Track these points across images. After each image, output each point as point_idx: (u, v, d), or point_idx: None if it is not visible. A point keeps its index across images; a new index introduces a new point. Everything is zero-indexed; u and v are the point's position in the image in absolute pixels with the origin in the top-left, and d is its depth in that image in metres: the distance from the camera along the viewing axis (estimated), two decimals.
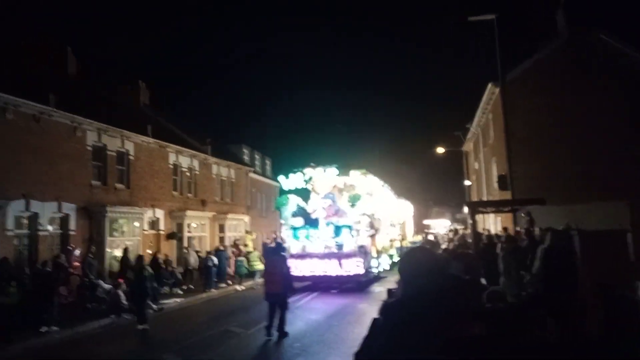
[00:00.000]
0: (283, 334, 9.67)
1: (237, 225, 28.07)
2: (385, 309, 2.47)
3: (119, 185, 19.43)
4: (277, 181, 20.39)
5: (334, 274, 16.79)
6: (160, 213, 21.72)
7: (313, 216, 18.60)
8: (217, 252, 20.06)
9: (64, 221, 16.67)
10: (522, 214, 14.75)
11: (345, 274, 16.70)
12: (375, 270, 19.21)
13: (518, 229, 14.28)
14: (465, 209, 26.48)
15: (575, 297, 6.25)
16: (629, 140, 18.69)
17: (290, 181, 19.16)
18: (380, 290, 16.77)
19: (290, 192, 19.31)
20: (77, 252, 15.95)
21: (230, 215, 27.16)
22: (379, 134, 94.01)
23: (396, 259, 23.03)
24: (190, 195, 24.74)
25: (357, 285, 17.15)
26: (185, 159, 24.38)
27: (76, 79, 21.93)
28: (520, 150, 18.30)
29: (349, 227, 17.53)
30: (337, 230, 17.60)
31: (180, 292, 17.86)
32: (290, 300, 14.01)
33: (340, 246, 17.63)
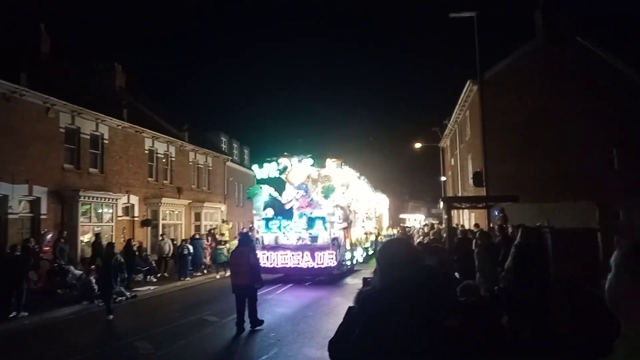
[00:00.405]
0: (257, 323, 9.47)
1: (214, 214, 27.87)
2: (362, 298, 2.48)
3: (92, 170, 19.04)
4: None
5: (306, 266, 16.57)
6: (134, 199, 21.40)
7: (287, 207, 18.31)
8: (193, 241, 19.91)
9: (34, 205, 16.28)
10: (496, 211, 15.06)
11: (317, 266, 16.48)
12: (348, 263, 19.02)
13: (491, 225, 14.57)
14: (441, 204, 26.87)
15: (544, 293, 6.43)
16: (601, 142, 19.24)
17: (264, 170, 18.71)
18: (354, 283, 16.90)
19: (263, 181, 18.89)
20: (49, 236, 15.61)
21: (206, 204, 26.94)
22: (357, 127, 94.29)
23: (371, 252, 23.07)
24: (166, 182, 24.42)
25: (330, 278, 16.97)
26: (161, 145, 24.02)
27: (49, 58, 21.30)
28: (495, 148, 18.65)
29: (322, 218, 17.26)
30: (310, 221, 17.34)
31: (154, 279, 17.68)
32: (263, 291, 14.00)
33: (314, 238, 17.41)
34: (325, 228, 17.17)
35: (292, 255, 16.75)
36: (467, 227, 19.58)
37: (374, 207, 26.90)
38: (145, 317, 11.86)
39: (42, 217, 16.38)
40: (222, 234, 24.09)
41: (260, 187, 18.69)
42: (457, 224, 21.35)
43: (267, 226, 17.77)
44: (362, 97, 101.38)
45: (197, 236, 21.21)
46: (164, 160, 24.32)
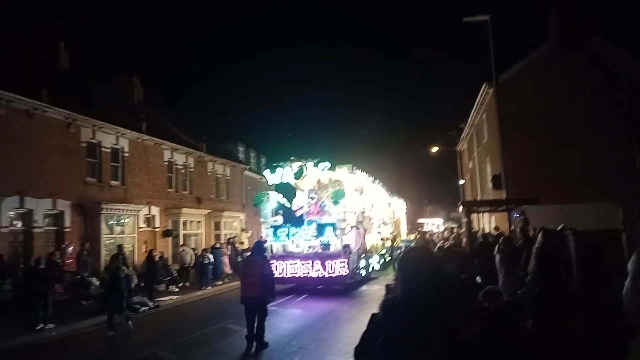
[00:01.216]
0: (262, 345, 8.81)
1: (233, 223, 28.10)
2: (385, 307, 2.51)
3: (113, 182, 19.40)
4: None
5: (316, 275, 15.80)
6: (155, 210, 21.71)
7: (297, 214, 17.61)
8: (213, 250, 20.09)
9: (58, 218, 16.65)
10: (516, 214, 14.89)
11: (328, 275, 15.68)
12: (363, 272, 18.14)
13: (512, 228, 14.41)
14: (460, 208, 26.64)
15: (565, 296, 6.35)
16: (620, 142, 18.90)
17: (277, 176, 17.71)
18: (374, 289, 16.85)
19: (276, 187, 18.21)
20: (71, 248, 15.94)
21: (225, 213, 27.18)
22: (373, 132, 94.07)
23: (388, 258, 22.53)
24: (186, 192, 24.73)
25: (344, 287, 16.22)
26: (180, 156, 24.35)
27: (69, 74, 21.82)
28: (513, 150, 18.42)
29: (332, 225, 16.42)
30: (320, 228, 16.46)
31: (176, 289, 17.88)
32: (281, 300, 13.86)
33: (326, 246, 16.70)
34: (336, 235, 16.42)
35: (302, 264, 15.99)
36: (487, 230, 19.40)
37: (391, 212, 26.59)
38: (168, 327, 11.99)
39: (66, 230, 16.72)
40: (242, 243, 24.24)
41: (268, 194, 18.09)
42: (474, 229, 21.11)
43: (275, 234, 17.06)
44: (377, 102, 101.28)
45: (218, 245, 21.40)
46: (182, 171, 24.65)
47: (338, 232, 16.43)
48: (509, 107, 18.36)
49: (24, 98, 15.17)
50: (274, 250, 17.09)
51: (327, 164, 17.47)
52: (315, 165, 17.50)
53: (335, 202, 16.79)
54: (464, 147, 34.52)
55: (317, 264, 15.80)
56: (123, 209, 18.98)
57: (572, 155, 18.79)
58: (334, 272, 15.68)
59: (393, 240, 23.73)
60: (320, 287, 16.41)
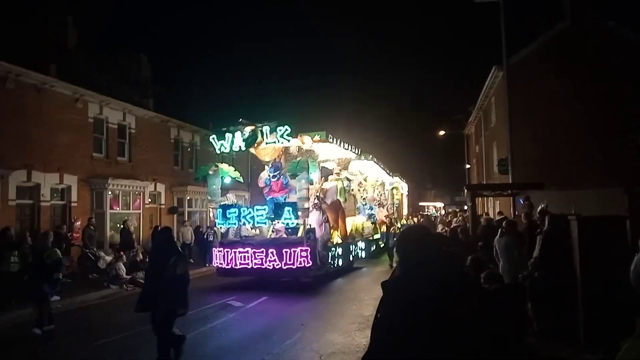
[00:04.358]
0: None
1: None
2: (384, 284, 2.52)
3: (120, 159, 19.50)
4: None
5: (271, 266, 12.79)
6: (161, 187, 21.86)
7: (265, 191, 15.30)
8: None
9: (65, 192, 16.80)
10: (521, 199, 14.86)
11: (286, 267, 12.68)
12: (340, 261, 15.14)
13: (517, 213, 14.39)
14: (465, 192, 26.58)
15: (569, 281, 6.37)
16: (629, 128, 18.69)
17: (225, 143, 14.08)
18: (379, 270, 16.96)
19: (223, 158, 15.72)
20: (78, 223, 16.12)
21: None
22: (380, 114, 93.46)
23: (382, 244, 20.18)
24: (192, 170, 24.79)
25: (312, 280, 13.45)
26: (186, 134, 24.39)
27: (77, 49, 21.73)
28: (521, 135, 18.30)
29: (292, 205, 13.26)
30: (277, 209, 13.35)
31: None
32: (281, 280, 13.39)
33: (294, 230, 14.16)
34: (296, 217, 13.14)
35: (254, 253, 12.94)
36: (491, 215, 19.39)
37: (388, 193, 24.96)
38: None
39: (73, 204, 16.88)
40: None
41: (216, 166, 14.76)
42: (481, 214, 21.10)
43: (223, 216, 13.84)
44: (385, 84, 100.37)
45: None
46: (189, 149, 24.71)
47: (300, 213, 13.19)
48: (518, 91, 18.18)
49: (32, 72, 15.18)
50: (229, 235, 14.48)
51: (287, 129, 13.54)
52: (272, 130, 13.66)
53: (293, 176, 13.61)
54: (472, 131, 34.30)
55: (272, 253, 12.77)
56: (129, 185, 19.10)
57: (580, 140, 18.65)
58: (293, 263, 12.65)
59: (390, 224, 20.31)
60: (281, 280, 13.58)
